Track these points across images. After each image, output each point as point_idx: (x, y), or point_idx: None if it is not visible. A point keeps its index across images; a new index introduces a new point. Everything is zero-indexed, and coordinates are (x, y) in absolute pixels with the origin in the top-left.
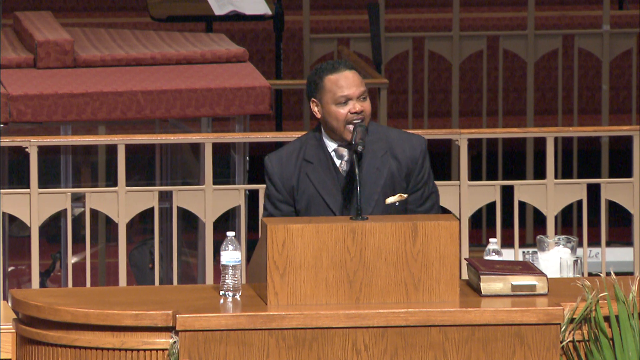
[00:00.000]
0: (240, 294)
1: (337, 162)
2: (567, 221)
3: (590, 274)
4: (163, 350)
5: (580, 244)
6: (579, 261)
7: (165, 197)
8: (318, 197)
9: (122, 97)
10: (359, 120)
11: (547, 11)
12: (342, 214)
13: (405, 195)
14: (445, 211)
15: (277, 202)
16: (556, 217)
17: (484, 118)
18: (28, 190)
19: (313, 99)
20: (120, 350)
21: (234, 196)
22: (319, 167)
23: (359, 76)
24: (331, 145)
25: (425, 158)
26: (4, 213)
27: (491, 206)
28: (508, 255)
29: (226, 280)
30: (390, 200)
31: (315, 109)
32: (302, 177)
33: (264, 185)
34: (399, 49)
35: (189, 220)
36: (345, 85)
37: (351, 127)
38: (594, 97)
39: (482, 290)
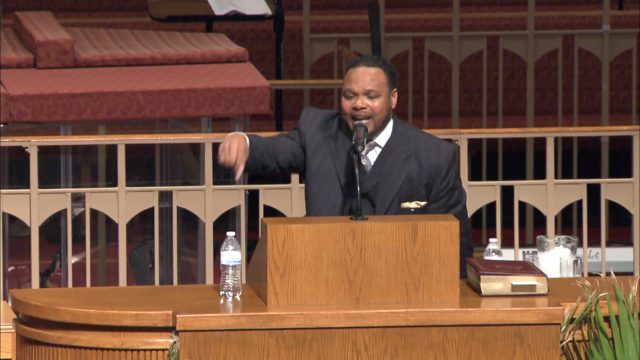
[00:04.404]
0: (240, 294)
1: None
2: (567, 221)
3: (590, 274)
4: (163, 350)
5: (580, 244)
6: (579, 261)
7: (165, 197)
8: (335, 176)
9: (122, 97)
10: (361, 117)
11: (547, 11)
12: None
13: (423, 203)
14: None
15: (292, 137)
16: (556, 217)
17: (484, 118)
18: (28, 190)
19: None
20: (120, 350)
21: (234, 196)
22: (342, 150)
23: (377, 74)
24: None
25: (451, 167)
26: (4, 213)
27: (491, 206)
28: (508, 255)
29: (226, 280)
30: (405, 205)
31: None
32: (323, 149)
33: (264, 185)
34: (399, 49)
35: (189, 220)
36: (354, 80)
37: (354, 121)
38: (594, 97)
39: (482, 290)
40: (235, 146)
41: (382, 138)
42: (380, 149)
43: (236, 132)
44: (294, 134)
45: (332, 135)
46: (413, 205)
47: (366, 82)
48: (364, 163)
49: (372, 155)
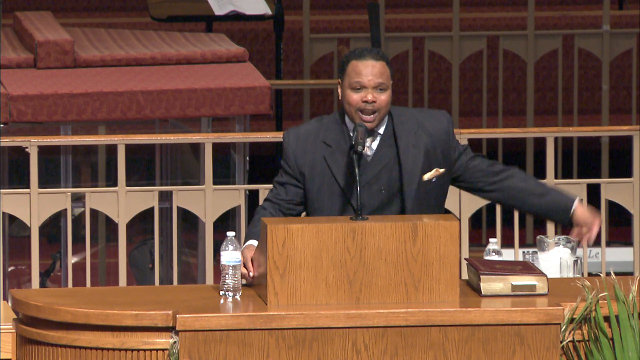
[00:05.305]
0: (240, 294)
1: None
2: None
3: (590, 274)
4: (163, 350)
5: (580, 244)
6: (579, 261)
7: (165, 197)
8: (334, 182)
9: (122, 97)
10: (369, 110)
11: (547, 11)
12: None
13: (442, 170)
14: (445, 211)
15: (287, 178)
16: None
17: (484, 118)
18: (28, 190)
19: (339, 79)
20: (120, 350)
21: (234, 196)
22: (338, 152)
23: (384, 68)
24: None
25: (452, 124)
26: (4, 213)
27: (491, 206)
28: (508, 255)
29: (226, 280)
30: (427, 176)
31: (339, 90)
32: (318, 159)
33: (264, 185)
34: (399, 49)
35: (189, 220)
36: (364, 72)
37: (362, 114)
38: (594, 97)
39: (482, 290)
40: (244, 266)
41: (382, 127)
42: (380, 136)
43: (246, 245)
44: (284, 175)
45: (324, 142)
46: (433, 173)
47: (376, 75)
48: (369, 153)
49: (373, 145)
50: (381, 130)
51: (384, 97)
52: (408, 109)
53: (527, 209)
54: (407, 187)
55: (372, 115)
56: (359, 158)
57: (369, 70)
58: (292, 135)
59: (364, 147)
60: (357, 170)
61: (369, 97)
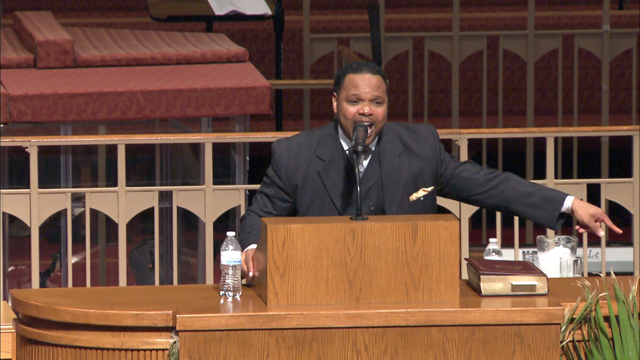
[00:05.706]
0: (240, 294)
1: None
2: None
3: (590, 274)
4: (163, 350)
5: (580, 244)
6: (579, 261)
7: (165, 197)
8: (327, 197)
9: (122, 97)
10: (365, 124)
11: (547, 11)
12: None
13: (430, 189)
14: (445, 211)
15: (275, 192)
16: None
17: (484, 118)
18: (28, 190)
19: (334, 92)
20: (120, 350)
21: (234, 196)
22: (332, 167)
23: (380, 82)
24: (346, 145)
25: (438, 139)
26: (4, 213)
27: None
28: (508, 255)
29: (226, 280)
30: (413, 197)
31: (334, 104)
32: (311, 174)
33: None
34: (399, 49)
35: (189, 220)
36: (360, 85)
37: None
38: (594, 97)
39: (482, 290)
40: (245, 264)
41: (373, 143)
42: (371, 154)
43: (246, 249)
44: (271, 188)
45: (317, 156)
46: (420, 194)
47: (372, 88)
48: (360, 169)
49: (365, 162)
50: (372, 147)
51: (380, 111)
52: (394, 126)
53: (514, 215)
54: (388, 209)
55: (368, 129)
56: (359, 157)
57: (366, 83)
58: (283, 148)
59: (364, 146)
60: (357, 170)
61: (366, 110)
